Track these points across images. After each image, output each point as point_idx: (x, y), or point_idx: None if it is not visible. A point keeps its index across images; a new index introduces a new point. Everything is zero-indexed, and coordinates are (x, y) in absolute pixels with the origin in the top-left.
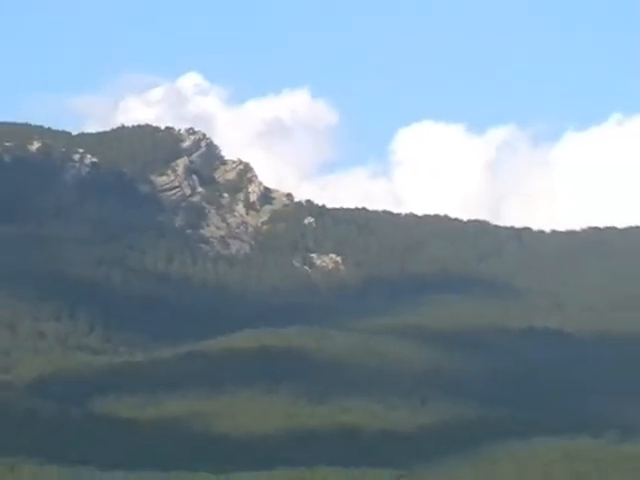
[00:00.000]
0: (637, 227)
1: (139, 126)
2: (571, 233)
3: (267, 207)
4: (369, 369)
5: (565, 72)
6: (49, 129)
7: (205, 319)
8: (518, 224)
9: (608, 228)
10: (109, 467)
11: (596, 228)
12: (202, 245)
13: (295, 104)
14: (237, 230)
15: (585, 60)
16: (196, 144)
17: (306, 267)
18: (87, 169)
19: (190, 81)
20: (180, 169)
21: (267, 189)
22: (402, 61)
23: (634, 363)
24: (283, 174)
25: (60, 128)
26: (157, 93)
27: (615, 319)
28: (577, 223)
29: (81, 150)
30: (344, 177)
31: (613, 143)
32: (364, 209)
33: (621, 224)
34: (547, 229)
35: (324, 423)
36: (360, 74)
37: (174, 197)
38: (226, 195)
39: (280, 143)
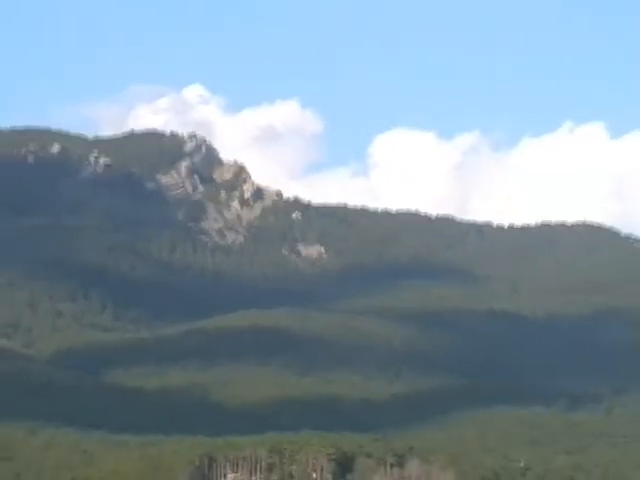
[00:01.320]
0: (583, 223)
1: (147, 131)
2: (526, 228)
3: (259, 203)
4: (349, 345)
5: (522, 84)
6: (68, 134)
7: (203, 301)
8: (480, 219)
9: (558, 224)
10: (118, 430)
11: (548, 224)
12: (201, 236)
13: (286, 113)
14: (233, 223)
15: (541, 73)
16: (197, 147)
17: (293, 256)
18: (101, 169)
19: (194, 92)
20: (183, 169)
21: (259, 187)
22: (379, 75)
23: (580, 341)
24: (274, 174)
25: (78, 133)
26: (164, 102)
27: (564, 302)
28: (531, 219)
29: (96, 152)
30: (327, 177)
31: (565, 148)
32: (345, 205)
33: (570, 220)
34: (505, 224)
35: (308, 393)
36: (343, 87)
37: (177, 194)
38: (223, 192)
39: (272, 147)
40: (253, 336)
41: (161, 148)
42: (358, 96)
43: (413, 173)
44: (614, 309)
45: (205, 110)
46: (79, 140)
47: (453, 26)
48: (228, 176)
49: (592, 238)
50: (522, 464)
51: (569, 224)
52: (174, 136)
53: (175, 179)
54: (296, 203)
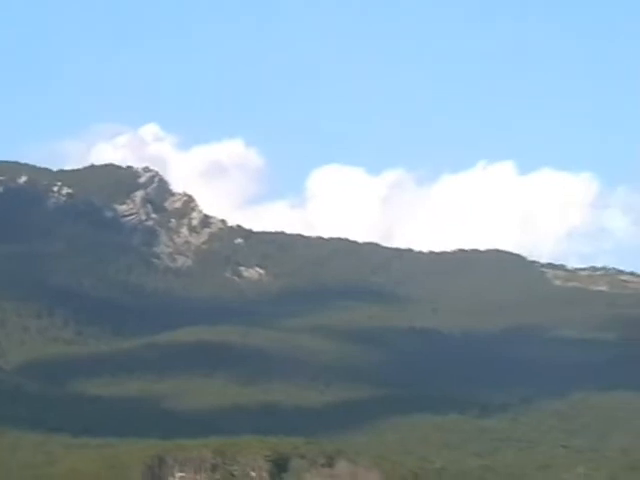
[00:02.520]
0: (494, 250)
1: (106, 165)
2: (443, 254)
3: (206, 230)
4: (285, 359)
5: (443, 126)
6: (34, 166)
7: (155, 318)
8: (403, 246)
9: (472, 250)
10: (78, 433)
11: (463, 250)
12: (154, 259)
13: (231, 150)
14: (182, 248)
15: (458, 116)
16: (151, 180)
17: (236, 278)
18: (64, 198)
19: (149, 130)
20: (138, 199)
21: (206, 216)
22: (315, 117)
23: (491, 356)
24: (219, 204)
25: (43, 166)
26: (122, 139)
27: (477, 321)
28: (448, 246)
29: (59, 183)
30: (268, 208)
31: (479, 184)
32: (283, 232)
33: (482, 248)
34: (425, 250)
35: (249, 401)
36: (283, 128)
37: (132, 221)
38: (174, 220)
39: (218, 180)
40: (200, 350)
41: (118, 180)
42: (296, 136)
43: (344, 204)
44: (520, 327)
45: (159, 147)
46: (44, 172)
47: (376, 73)
48: (178, 205)
49: (502, 264)
50: (438, 465)
51: (482, 251)
52: (130, 169)
53: (130, 208)
54: (239, 230)
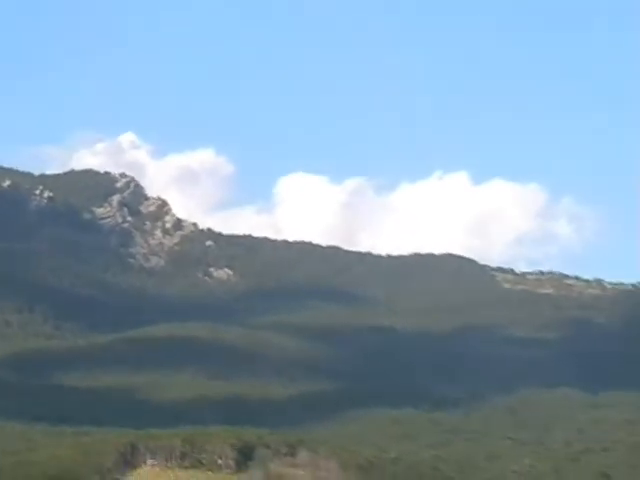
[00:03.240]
0: (448, 254)
1: (85, 170)
2: (401, 257)
3: (178, 232)
4: (252, 354)
5: (402, 137)
6: (18, 170)
7: (130, 315)
8: (363, 249)
9: (427, 254)
10: (57, 422)
11: (419, 254)
12: (129, 259)
13: (203, 158)
14: (155, 249)
15: (415, 127)
16: (127, 185)
17: (206, 277)
18: (45, 201)
19: (127, 139)
20: (114, 203)
21: (179, 219)
22: (282, 128)
23: (444, 353)
24: (191, 209)
25: (26, 170)
26: (101, 147)
27: (430, 320)
28: (405, 250)
29: (41, 187)
30: (237, 212)
31: (435, 193)
32: (250, 236)
33: (437, 252)
34: (383, 253)
35: (217, 393)
36: (251, 138)
37: (109, 223)
38: (148, 223)
39: (190, 186)
40: (171, 345)
41: (96, 185)
42: (264, 145)
43: (308, 210)
44: (472, 327)
45: (136, 154)
46: (27, 176)
47: (339, 88)
48: (152, 209)
49: (455, 267)
50: (393, 455)
51: (436, 255)
52: (108, 175)
53: (108, 211)
54: (209, 233)
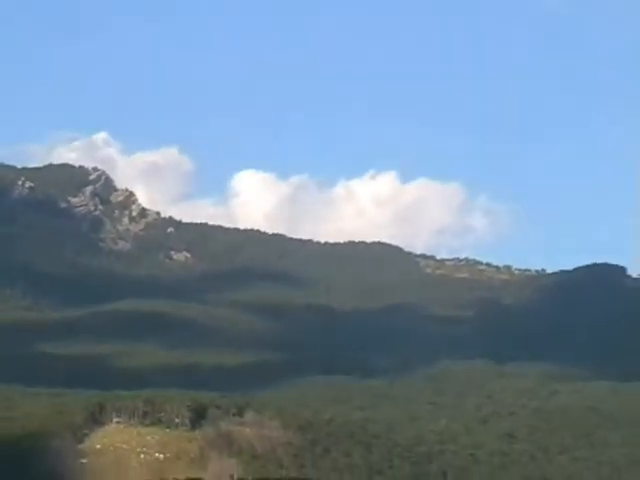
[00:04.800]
0: (378, 242)
1: (62, 165)
2: (337, 244)
3: (143, 220)
4: (207, 327)
5: (340, 139)
6: (2, 163)
7: (100, 291)
8: (304, 237)
9: (360, 242)
10: (34, 385)
11: (353, 242)
12: (100, 243)
13: (167, 156)
14: (123, 234)
15: (353, 131)
16: (98, 177)
17: (167, 260)
18: (26, 191)
19: (100, 137)
20: (87, 193)
21: (144, 208)
22: (238, 129)
23: (374, 328)
24: (155, 199)
25: (10, 163)
26: (77, 144)
27: (363, 299)
28: (341, 238)
29: (23, 178)
30: (196, 203)
31: (368, 189)
32: (206, 224)
33: (368, 240)
34: (322, 241)
35: (176, 361)
36: (210, 139)
37: (82, 211)
38: (117, 211)
39: (155, 180)
40: (136, 319)
41: (72, 177)
42: (222, 145)
43: (258, 203)
44: (398, 306)
45: (108, 151)
46: (11, 169)
47: (287, 91)
48: (121, 199)
49: (384, 253)
50: (327, 416)
51: (368, 243)
52: (82, 169)
53: (81, 200)
54: (171, 221)
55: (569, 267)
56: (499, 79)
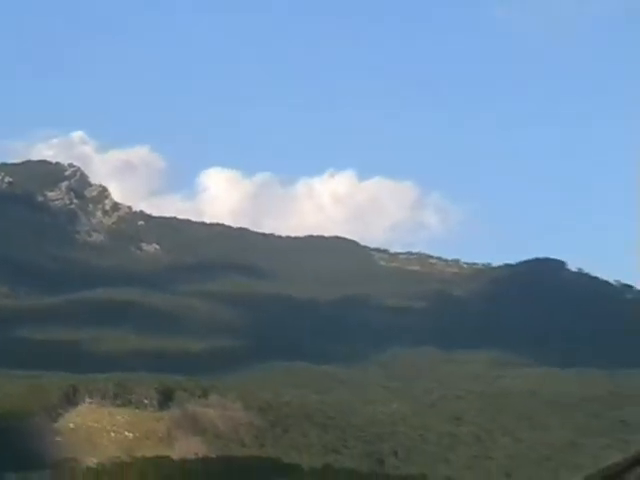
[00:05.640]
0: (335, 236)
1: (40, 161)
2: (298, 238)
3: (116, 214)
4: (174, 315)
5: (302, 140)
6: None
7: (75, 280)
8: (267, 231)
9: (319, 236)
10: (12, 367)
11: (312, 236)
12: (75, 235)
13: (140, 154)
14: (97, 227)
15: (313, 132)
16: (74, 173)
17: (138, 251)
18: (6, 185)
19: (77, 135)
20: (64, 188)
21: (116, 203)
22: (206, 130)
23: (334, 317)
24: (127, 195)
25: None
26: (55, 142)
27: (323, 290)
28: (301, 232)
29: (2, 173)
30: (165, 199)
31: (326, 187)
32: (175, 218)
33: (326, 234)
34: (283, 235)
35: (145, 346)
36: (180, 138)
37: (59, 205)
38: (91, 205)
39: (127, 176)
40: (108, 306)
41: (49, 172)
42: (191, 145)
43: (224, 199)
44: (354, 296)
45: (84, 148)
46: None
47: (255, 90)
48: (95, 194)
49: (341, 247)
50: (287, 399)
51: (326, 237)
52: (59, 165)
53: (58, 195)
54: (141, 215)
55: (513, 261)
56: (452, 83)
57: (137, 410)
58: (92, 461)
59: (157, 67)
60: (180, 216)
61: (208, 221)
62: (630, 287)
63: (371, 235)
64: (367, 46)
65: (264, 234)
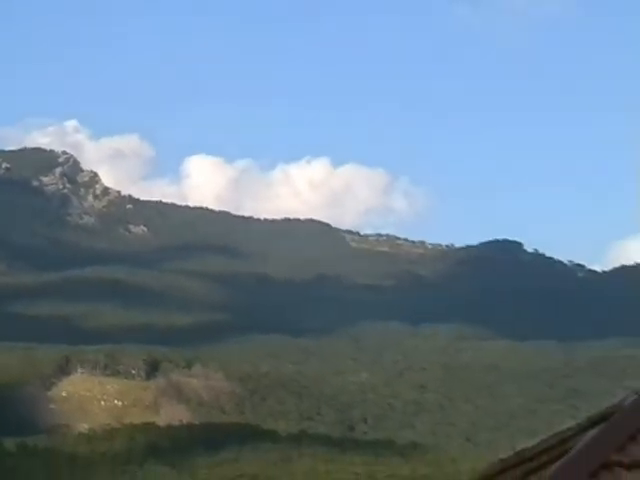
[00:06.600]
0: (310, 219)
1: (35, 148)
2: (275, 221)
3: (106, 197)
4: (161, 292)
5: (280, 128)
6: None
7: (68, 260)
8: (247, 214)
9: (295, 219)
10: (8, 340)
11: (288, 219)
12: (68, 218)
13: (130, 142)
14: (88, 210)
15: (291, 120)
16: (67, 160)
17: (126, 233)
18: (3, 171)
19: (70, 124)
20: (57, 173)
21: (107, 187)
22: (190, 119)
23: (306, 294)
24: (117, 180)
25: None
26: (50, 130)
27: (297, 269)
28: (279, 215)
29: (0, 160)
30: (152, 183)
31: (303, 173)
32: (161, 202)
33: (302, 217)
34: (262, 218)
35: (134, 321)
36: (167, 128)
37: (52, 189)
38: (83, 190)
39: (117, 163)
40: (99, 284)
41: (43, 159)
42: (176, 133)
43: (207, 183)
44: (327, 275)
45: (77, 137)
46: None
47: (237, 81)
48: (86, 179)
49: (315, 229)
50: (264, 369)
51: (301, 220)
52: (52, 152)
53: (52, 180)
54: (130, 199)
55: (474, 242)
56: (422, 73)
57: (125, 380)
58: (84, 427)
59: (151, 64)
60: (166, 200)
61: (192, 205)
62: (582, 266)
63: (344, 219)
64: (343, 41)
65: (244, 217)
